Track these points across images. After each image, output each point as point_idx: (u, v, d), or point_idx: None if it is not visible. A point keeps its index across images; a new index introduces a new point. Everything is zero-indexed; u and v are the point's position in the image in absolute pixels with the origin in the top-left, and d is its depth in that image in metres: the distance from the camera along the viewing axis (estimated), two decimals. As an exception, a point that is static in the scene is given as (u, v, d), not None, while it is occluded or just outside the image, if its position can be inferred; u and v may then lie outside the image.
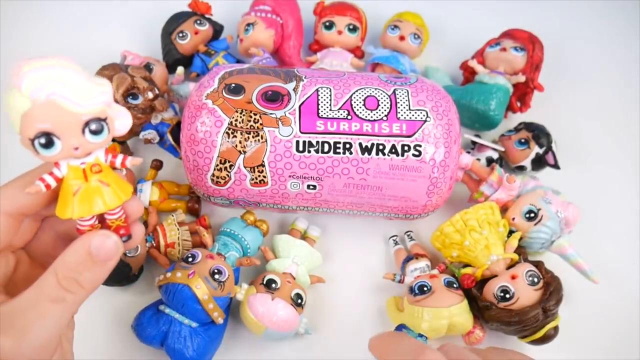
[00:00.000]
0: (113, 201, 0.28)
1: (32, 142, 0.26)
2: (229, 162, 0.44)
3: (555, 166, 0.55)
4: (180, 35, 0.58)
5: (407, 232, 0.53)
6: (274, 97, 0.45)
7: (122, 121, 0.28)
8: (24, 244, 0.32)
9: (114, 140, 0.52)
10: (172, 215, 0.50)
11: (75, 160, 0.27)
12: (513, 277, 0.44)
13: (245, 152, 0.44)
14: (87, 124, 0.26)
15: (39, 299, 0.28)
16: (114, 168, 0.29)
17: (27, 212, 0.30)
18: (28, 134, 0.25)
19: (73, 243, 0.29)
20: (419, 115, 0.44)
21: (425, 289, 0.45)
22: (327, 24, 0.60)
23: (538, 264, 0.45)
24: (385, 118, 0.44)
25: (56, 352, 0.29)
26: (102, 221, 0.30)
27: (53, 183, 0.28)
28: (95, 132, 0.27)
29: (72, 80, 0.26)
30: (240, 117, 0.44)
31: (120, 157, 0.29)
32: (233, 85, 0.45)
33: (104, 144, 0.28)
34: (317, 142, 0.43)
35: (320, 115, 0.44)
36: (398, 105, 0.44)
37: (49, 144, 0.26)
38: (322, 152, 0.43)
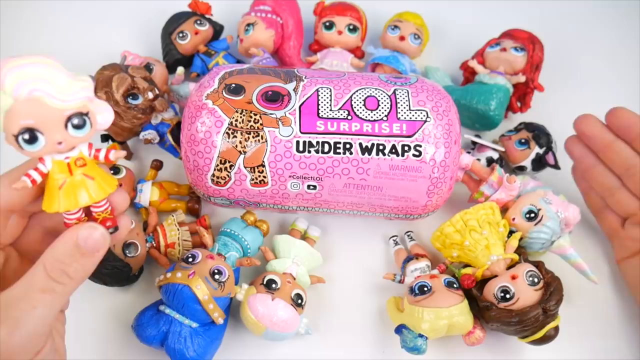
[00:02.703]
0: (98, 194, 0.29)
1: (16, 138, 0.26)
2: (229, 162, 0.44)
3: (556, 166, 0.55)
4: (180, 35, 0.58)
5: (407, 232, 0.53)
6: (274, 97, 0.45)
7: (104, 115, 0.29)
8: (12, 241, 0.33)
9: (113, 140, 0.52)
10: (172, 216, 0.50)
11: (60, 154, 0.28)
12: (513, 278, 0.44)
13: (245, 152, 0.44)
14: (69, 118, 0.27)
15: (29, 290, 0.28)
16: (104, 163, 0.30)
17: (14, 208, 0.31)
18: (12, 130, 0.26)
19: (61, 236, 0.29)
20: (419, 116, 0.44)
21: (425, 289, 0.45)
22: (327, 24, 0.60)
23: (538, 264, 0.45)
24: (385, 118, 0.44)
25: (47, 343, 0.30)
26: (88, 214, 0.30)
27: (39, 178, 0.28)
28: (77, 127, 0.27)
29: (53, 76, 0.26)
30: (241, 117, 0.44)
31: (103, 150, 0.30)
32: (233, 85, 0.45)
33: (87, 138, 0.28)
34: (317, 142, 0.43)
35: (320, 115, 0.44)
36: (398, 105, 0.44)
37: (32, 140, 0.26)
38: (322, 152, 0.43)
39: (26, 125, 0.26)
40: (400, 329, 0.45)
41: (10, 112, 0.26)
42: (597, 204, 0.50)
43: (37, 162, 0.28)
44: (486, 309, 0.44)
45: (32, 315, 0.28)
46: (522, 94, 0.59)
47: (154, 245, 0.48)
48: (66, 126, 0.27)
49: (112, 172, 0.48)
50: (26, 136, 0.26)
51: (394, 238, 0.53)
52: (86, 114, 0.27)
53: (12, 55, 0.26)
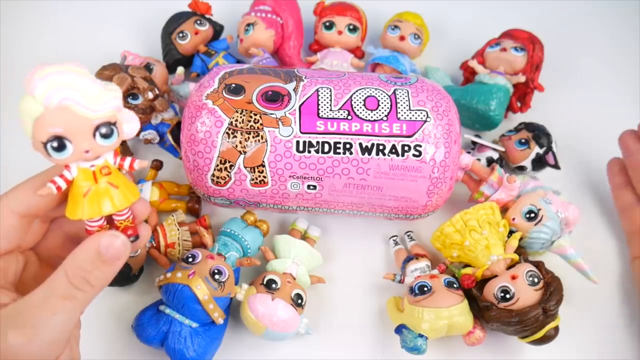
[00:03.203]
0: (122, 202, 0.29)
1: (44, 146, 0.26)
2: (229, 162, 0.44)
3: (556, 166, 0.55)
4: (181, 35, 0.58)
5: (407, 232, 0.53)
6: (274, 97, 0.45)
7: (130, 125, 0.29)
8: (34, 245, 0.33)
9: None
10: (172, 216, 0.50)
11: (85, 162, 0.28)
12: (513, 278, 0.44)
13: (245, 152, 0.44)
14: (97, 128, 0.27)
15: (50, 296, 0.28)
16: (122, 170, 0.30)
17: (38, 213, 0.31)
18: (41, 138, 0.26)
19: (83, 243, 0.29)
20: (419, 116, 0.44)
21: (425, 289, 0.45)
22: (327, 24, 0.60)
23: (538, 264, 0.45)
24: (385, 118, 0.44)
25: (65, 350, 0.30)
26: (110, 222, 0.30)
27: (63, 185, 0.28)
28: (105, 136, 0.27)
29: (85, 86, 0.26)
30: (241, 117, 0.44)
31: (128, 159, 0.30)
32: (233, 85, 0.45)
33: (113, 147, 0.28)
34: (317, 142, 0.43)
35: (320, 115, 0.44)
36: (398, 105, 0.44)
37: (60, 148, 0.26)
38: (322, 152, 0.43)
39: (55, 133, 0.26)
40: (400, 329, 0.45)
41: (40, 119, 0.26)
42: (628, 200, 0.52)
43: (63, 169, 0.28)
44: (486, 309, 0.44)
45: (52, 321, 0.28)
46: (522, 94, 0.59)
47: (154, 245, 0.48)
48: (94, 135, 0.27)
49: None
50: (55, 144, 0.26)
51: (394, 238, 0.53)
52: (114, 124, 0.28)
53: (44, 62, 0.26)
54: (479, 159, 0.55)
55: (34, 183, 0.30)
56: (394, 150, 0.43)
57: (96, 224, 0.30)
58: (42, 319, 0.28)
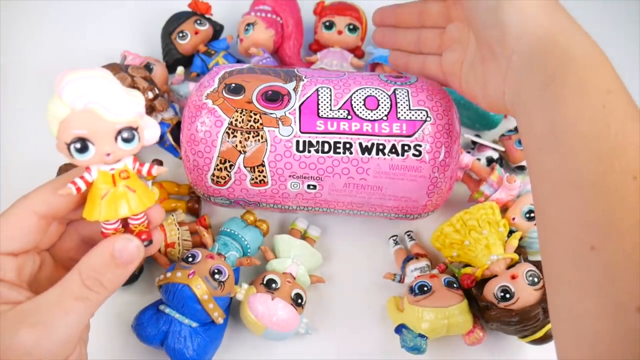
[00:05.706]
0: (138, 207, 0.30)
1: (68, 147, 0.27)
2: (229, 162, 0.44)
3: (556, 166, 0.54)
4: (181, 35, 0.58)
5: (407, 232, 0.53)
6: (274, 97, 0.45)
7: (151, 131, 0.30)
8: (50, 246, 0.33)
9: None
10: (172, 215, 0.50)
11: (106, 166, 0.29)
12: (513, 277, 0.44)
13: (245, 152, 0.44)
14: (120, 132, 0.28)
15: (64, 297, 0.29)
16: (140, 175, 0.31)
17: (57, 215, 0.31)
18: (65, 139, 0.27)
19: (97, 245, 0.30)
20: (419, 115, 0.44)
21: (425, 288, 0.45)
22: (327, 24, 0.60)
23: (538, 264, 0.45)
24: (385, 118, 0.44)
25: (75, 350, 0.31)
26: (125, 226, 0.31)
27: (83, 186, 0.29)
28: (127, 140, 0.28)
29: (110, 90, 0.27)
30: (241, 117, 0.44)
31: (147, 165, 0.31)
32: (233, 85, 0.45)
33: (133, 152, 0.29)
34: (317, 142, 0.43)
35: (320, 115, 0.44)
36: (398, 105, 0.44)
37: (83, 149, 0.27)
38: (322, 152, 0.43)
39: (79, 135, 0.27)
40: (400, 329, 0.45)
41: (65, 121, 0.27)
42: (417, 65, 0.49)
43: (83, 171, 0.29)
44: (486, 309, 0.44)
45: (65, 321, 0.28)
46: (522, 94, 0.59)
47: (154, 245, 0.48)
48: (116, 139, 0.28)
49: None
50: (78, 145, 0.27)
51: (394, 238, 0.53)
52: (136, 129, 0.29)
53: (74, 68, 0.27)
54: (479, 159, 0.54)
55: (55, 184, 0.31)
56: (393, 150, 0.43)
57: (112, 226, 0.30)
58: (55, 318, 0.28)
